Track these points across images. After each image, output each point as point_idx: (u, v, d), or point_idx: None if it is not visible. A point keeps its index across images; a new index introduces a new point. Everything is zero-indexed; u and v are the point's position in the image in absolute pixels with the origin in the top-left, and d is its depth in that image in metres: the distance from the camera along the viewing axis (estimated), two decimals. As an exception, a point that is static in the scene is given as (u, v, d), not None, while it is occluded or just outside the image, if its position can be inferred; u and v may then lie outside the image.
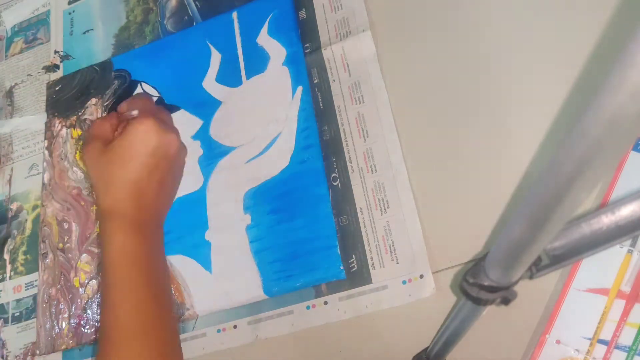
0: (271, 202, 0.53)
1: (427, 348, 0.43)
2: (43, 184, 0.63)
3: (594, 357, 0.40)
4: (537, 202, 0.21)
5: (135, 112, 0.51)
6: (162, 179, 0.50)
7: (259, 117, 0.56)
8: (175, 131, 0.52)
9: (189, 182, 0.56)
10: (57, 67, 0.69)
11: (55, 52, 0.70)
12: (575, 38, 0.48)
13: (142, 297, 0.46)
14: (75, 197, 0.61)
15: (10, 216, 0.64)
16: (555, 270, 0.28)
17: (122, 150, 0.49)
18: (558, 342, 0.41)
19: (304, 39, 0.57)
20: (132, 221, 0.48)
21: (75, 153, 0.63)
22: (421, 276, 0.46)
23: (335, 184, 0.52)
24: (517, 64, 0.50)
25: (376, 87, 0.53)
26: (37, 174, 0.64)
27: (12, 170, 0.66)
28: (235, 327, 0.51)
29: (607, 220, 0.27)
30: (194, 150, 0.57)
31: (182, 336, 0.53)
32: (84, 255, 0.58)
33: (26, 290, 0.60)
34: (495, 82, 0.50)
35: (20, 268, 0.61)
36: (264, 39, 0.59)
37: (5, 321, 0.59)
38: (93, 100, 0.65)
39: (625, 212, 0.27)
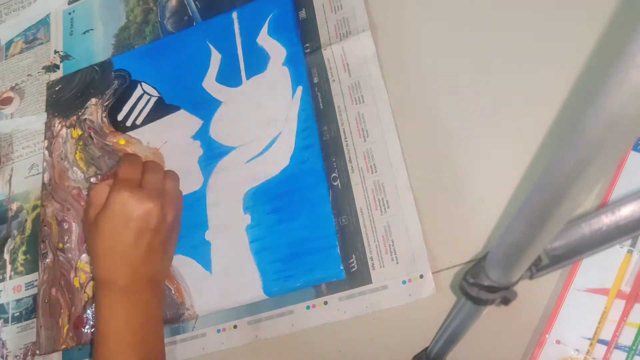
0: (271, 202, 0.53)
1: (427, 348, 0.43)
2: (43, 184, 0.63)
3: (594, 357, 0.40)
4: (537, 202, 0.21)
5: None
6: (149, 244, 0.49)
7: (259, 117, 0.56)
8: (156, 197, 0.49)
9: (189, 182, 0.56)
10: (57, 67, 0.69)
11: (55, 52, 0.70)
12: (575, 38, 0.48)
13: None
14: (75, 197, 0.61)
15: (10, 216, 0.64)
16: (555, 270, 0.28)
17: (104, 223, 0.48)
18: (558, 342, 0.41)
19: (304, 39, 0.57)
20: (123, 289, 0.48)
21: (75, 153, 0.63)
22: (421, 276, 0.46)
23: (335, 184, 0.52)
24: (517, 64, 0.50)
25: (376, 87, 0.53)
26: (37, 174, 0.64)
27: (12, 170, 0.66)
28: (235, 327, 0.51)
29: (607, 220, 0.27)
30: (194, 150, 0.57)
31: (182, 336, 0.53)
32: (83, 255, 0.58)
33: (26, 290, 0.60)
34: (494, 81, 0.50)
35: (20, 268, 0.61)
36: (264, 38, 0.59)
37: (5, 321, 0.59)
38: (93, 100, 0.65)
39: (625, 212, 0.27)
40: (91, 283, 0.57)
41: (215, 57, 0.60)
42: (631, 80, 0.15)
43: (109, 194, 0.49)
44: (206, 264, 0.53)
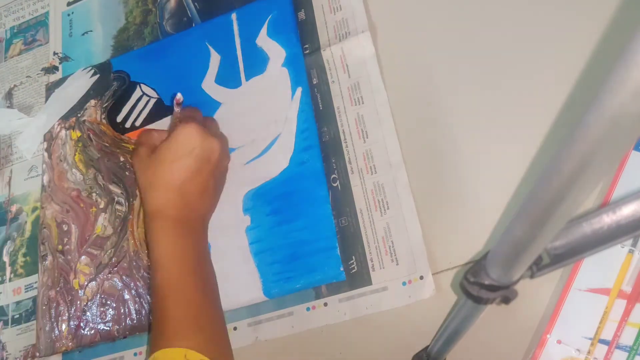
0: (271, 204, 0.53)
1: (427, 347, 0.43)
2: (42, 185, 0.63)
3: (595, 357, 0.40)
4: (538, 201, 0.21)
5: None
6: (205, 181, 0.50)
7: (258, 119, 0.56)
8: (219, 138, 0.52)
9: (188, 184, 0.56)
10: (57, 68, 0.69)
11: (55, 53, 0.70)
12: (576, 37, 0.48)
13: (191, 293, 0.46)
14: (75, 199, 0.61)
15: (9, 218, 0.64)
16: (556, 270, 0.28)
17: (166, 152, 0.50)
18: (559, 342, 0.41)
19: (303, 40, 0.57)
20: (177, 221, 0.48)
21: (75, 155, 0.63)
22: (421, 277, 0.46)
23: (335, 185, 0.52)
24: (517, 64, 0.50)
25: (375, 87, 0.53)
26: (37, 175, 0.64)
27: (11, 172, 0.66)
28: (235, 328, 0.51)
29: (608, 219, 0.27)
30: (194, 152, 0.57)
31: (182, 338, 0.52)
32: (83, 257, 0.58)
33: (26, 292, 0.60)
34: (495, 82, 0.50)
35: (20, 270, 0.61)
36: (263, 40, 0.59)
37: (5, 323, 0.59)
38: (92, 102, 0.64)
39: (627, 211, 0.27)
40: (91, 284, 0.56)
41: (215, 58, 0.60)
42: (633, 79, 0.15)
43: (176, 127, 0.50)
44: (206, 265, 0.53)
